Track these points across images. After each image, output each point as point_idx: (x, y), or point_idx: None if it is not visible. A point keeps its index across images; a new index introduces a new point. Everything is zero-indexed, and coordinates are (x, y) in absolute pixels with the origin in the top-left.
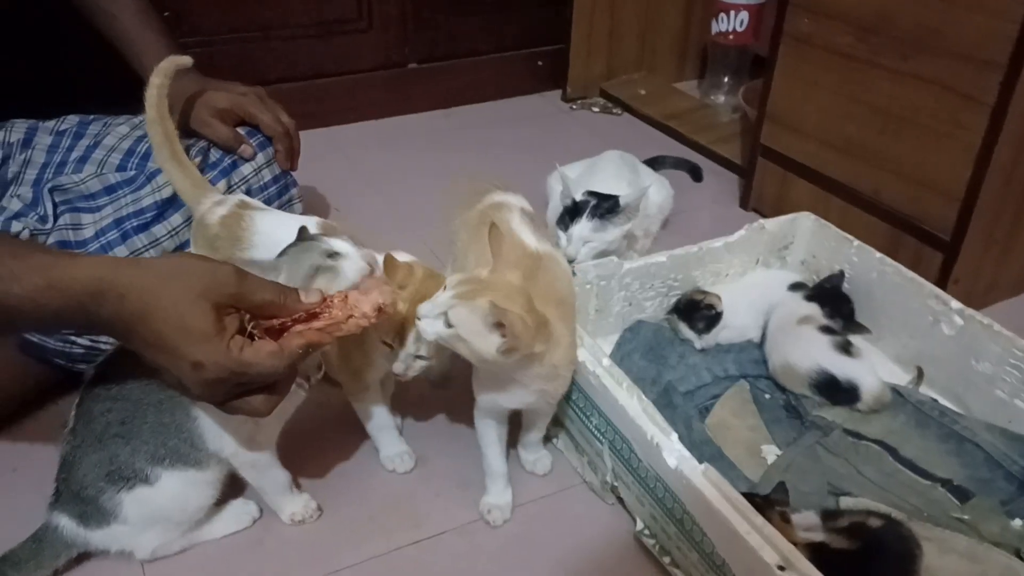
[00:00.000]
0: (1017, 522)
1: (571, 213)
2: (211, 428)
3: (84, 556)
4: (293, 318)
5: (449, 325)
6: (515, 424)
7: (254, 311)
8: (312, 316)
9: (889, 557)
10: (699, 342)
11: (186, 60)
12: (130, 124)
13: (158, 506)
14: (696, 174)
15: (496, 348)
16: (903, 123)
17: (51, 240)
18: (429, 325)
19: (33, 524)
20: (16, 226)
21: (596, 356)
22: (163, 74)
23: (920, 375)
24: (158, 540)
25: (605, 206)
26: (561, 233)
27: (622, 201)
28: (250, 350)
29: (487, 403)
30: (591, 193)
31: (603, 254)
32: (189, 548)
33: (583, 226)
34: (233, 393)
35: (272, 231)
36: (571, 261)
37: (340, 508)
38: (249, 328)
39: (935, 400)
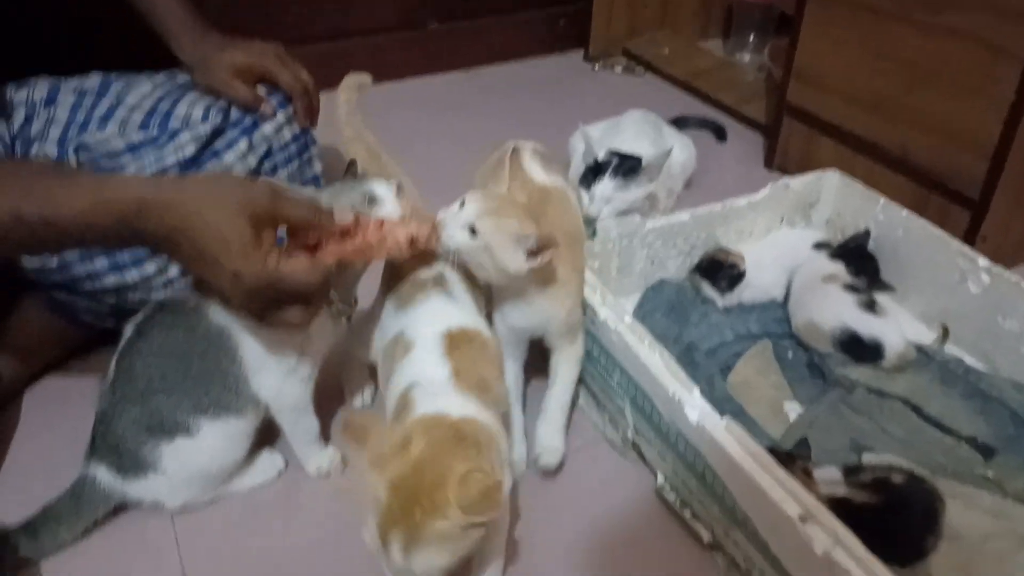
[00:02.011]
0: None
1: (594, 172)
2: (254, 367)
3: (116, 508)
4: (327, 236)
5: (474, 234)
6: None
7: (290, 227)
8: (345, 236)
9: (912, 511)
10: (721, 301)
11: (365, 78)
12: (152, 82)
13: (197, 457)
14: (720, 134)
15: (521, 265)
16: (932, 78)
17: None
18: (455, 234)
19: (67, 477)
20: None
21: (618, 313)
22: (348, 90)
23: (945, 333)
24: (193, 492)
25: (627, 165)
26: (584, 192)
27: (645, 161)
28: (286, 263)
29: (503, 330)
30: (614, 152)
31: (626, 213)
32: (217, 500)
33: (605, 185)
34: (270, 304)
35: None
36: (593, 220)
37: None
38: (285, 243)
39: (960, 358)
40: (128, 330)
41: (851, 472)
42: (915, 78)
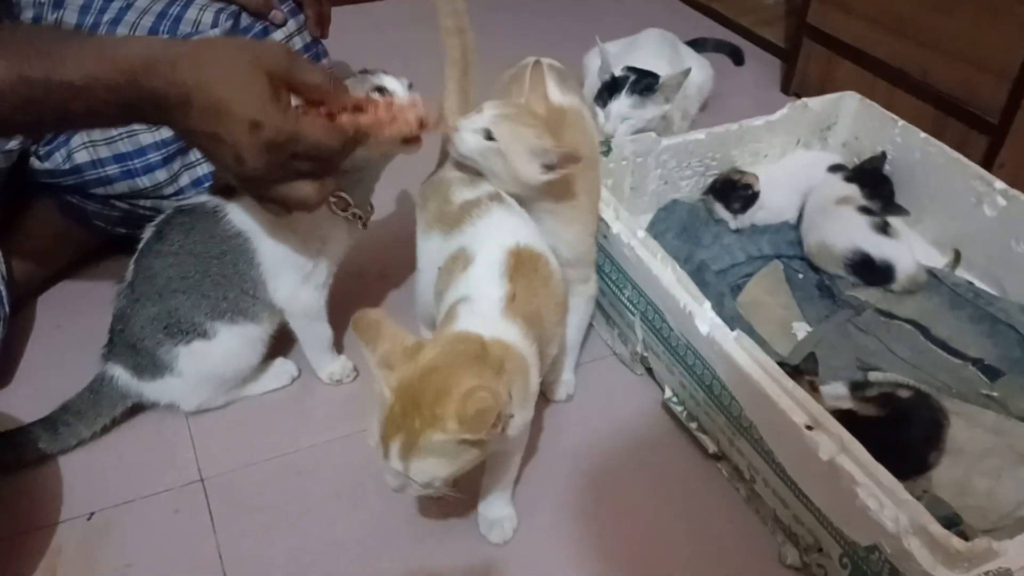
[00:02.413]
0: None
1: (609, 89)
2: (271, 271)
3: (135, 408)
4: (340, 108)
5: (490, 139)
6: None
7: (303, 92)
8: (357, 110)
9: (916, 424)
10: (734, 222)
11: None
12: None
13: (212, 361)
14: (737, 57)
15: (536, 176)
16: (957, 0)
17: None
18: (468, 137)
19: (80, 376)
20: None
21: (631, 228)
22: None
23: (957, 258)
24: (207, 394)
25: (644, 83)
26: (599, 109)
27: (662, 79)
28: (306, 120)
29: None
30: (630, 69)
31: (640, 132)
32: (231, 403)
33: (622, 102)
34: (286, 169)
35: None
36: (609, 138)
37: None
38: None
39: (971, 283)
40: (148, 231)
41: (857, 387)
42: (940, 0)
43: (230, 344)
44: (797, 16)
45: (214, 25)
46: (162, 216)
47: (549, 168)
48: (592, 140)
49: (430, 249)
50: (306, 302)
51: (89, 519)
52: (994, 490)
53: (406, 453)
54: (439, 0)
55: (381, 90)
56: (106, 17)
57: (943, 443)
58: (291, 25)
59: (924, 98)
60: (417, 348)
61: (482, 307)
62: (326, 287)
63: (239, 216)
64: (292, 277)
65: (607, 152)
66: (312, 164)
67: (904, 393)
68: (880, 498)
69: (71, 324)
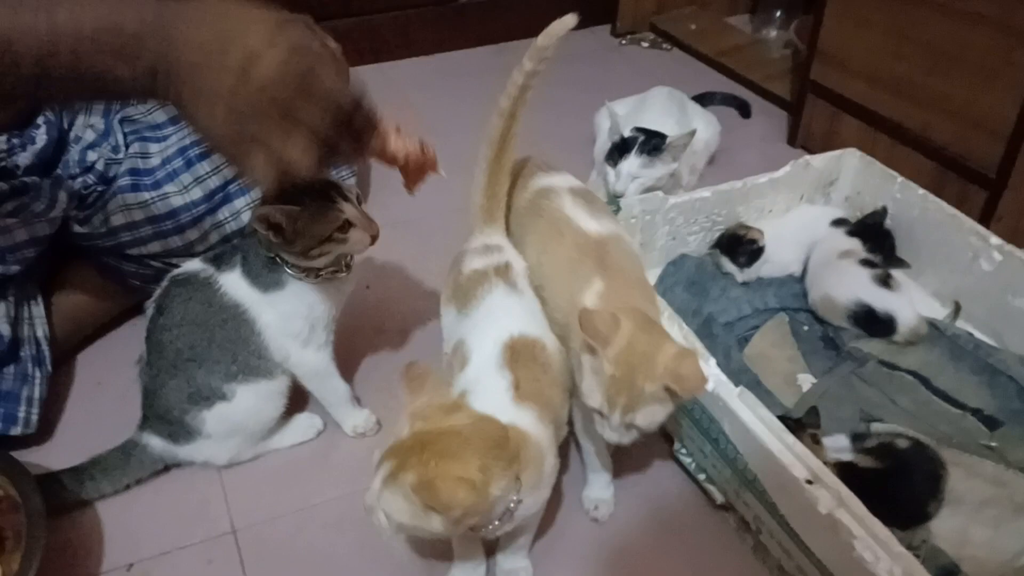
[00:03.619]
0: None
1: (619, 149)
2: (273, 336)
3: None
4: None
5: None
6: None
7: (320, 96)
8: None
9: (915, 475)
10: (741, 275)
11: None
12: None
13: (236, 419)
14: (745, 110)
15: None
16: (954, 61)
17: (123, 168)
18: (377, 521)
19: (117, 433)
20: (92, 156)
21: None
22: (547, 35)
23: (957, 309)
24: (236, 449)
25: (653, 143)
26: (610, 169)
27: (669, 140)
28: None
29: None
30: (639, 130)
31: (649, 190)
32: (261, 456)
33: (631, 162)
34: (290, 108)
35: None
36: (618, 197)
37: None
38: None
39: (971, 334)
40: (149, 309)
41: (858, 439)
42: (937, 61)
43: (249, 402)
44: (801, 72)
45: None
46: (158, 290)
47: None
48: (637, 260)
49: (447, 323)
50: (312, 363)
51: (128, 570)
52: (993, 540)
53: (385, 485)
54: (510, 82)
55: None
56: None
57: (942, 493)
58: None
59: (924, 153)
60: (455, 408)
61: (490, 399)
62: (328, 345)
63: (232, 287)
64: (292, 343)
65: (616, 211)
66: (320, 115)
67: (903, 443)
68: (875, 551)
69: (110, 381)
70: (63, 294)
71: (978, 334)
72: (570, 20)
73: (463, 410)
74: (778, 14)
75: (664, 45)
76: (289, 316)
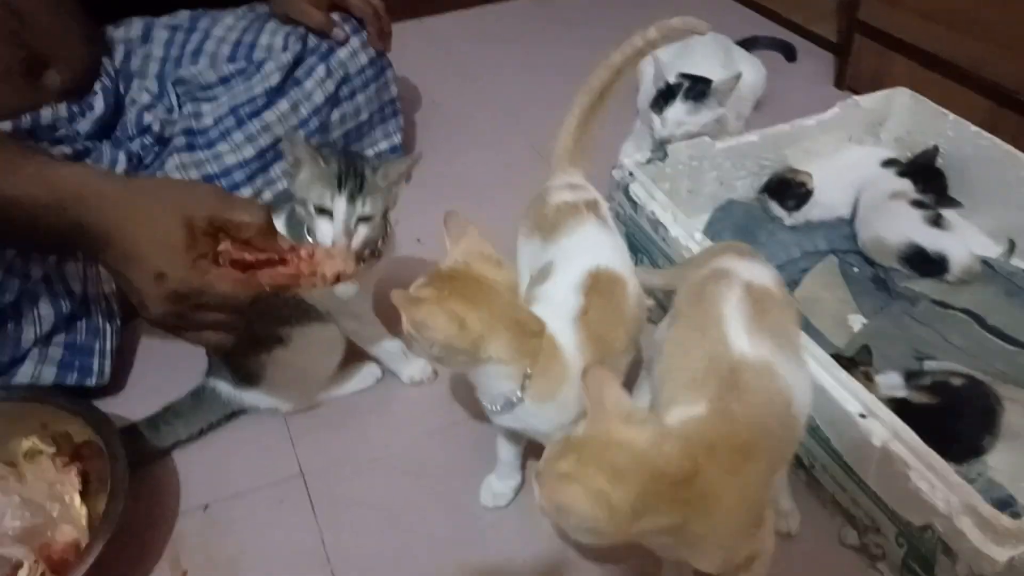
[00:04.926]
0: None
1: (664, 96)
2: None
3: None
4: (262, 259)
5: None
6: None
7: (233, 234)
8: (282, 262)
9: (970, 411)
10: (789, 219)
11: (702, 26)
12: (235, 15)
13: (295, 364)
14: (790, 54)
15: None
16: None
17: (177, 128)
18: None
19: (187, 381)
20: (148, 117)
21: (688, 231)
22: (665, 32)
23: (1012, 247)
24: (298, 395)
25: (698, 88)
26: (655, 116)
27: (714, 84)
28: (216, 272)
29: None
30: (684, 75)
31: (696, 136)
32: (323, 404)
33: (677, 109)
34: (190, 316)
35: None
36: (665, 143)
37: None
38: (220, 252)
39: None
40: None
41: (911, 377)
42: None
43: (306, 346)
44: (849, 12)
45: (284, 48)
46: None
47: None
48: (778, 400)
49: (529, 254)
50: (351, 329)
51: (205, 510)
52: None
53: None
54: (628, 43)
55: (321, 210)
56: (188, 48)
57: (997, 428)
58: (355, 42)
59: (978, 90)
60: (499, 264)
61: (553, 312)
62: (366, 314)
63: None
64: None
65: (663, 157)
66: (219, 314)
67: (957, 381)
68: (932, 481)
69: None
70: None
71: None
72: (703, 27)
73: (505, 269)
74: None
75: None
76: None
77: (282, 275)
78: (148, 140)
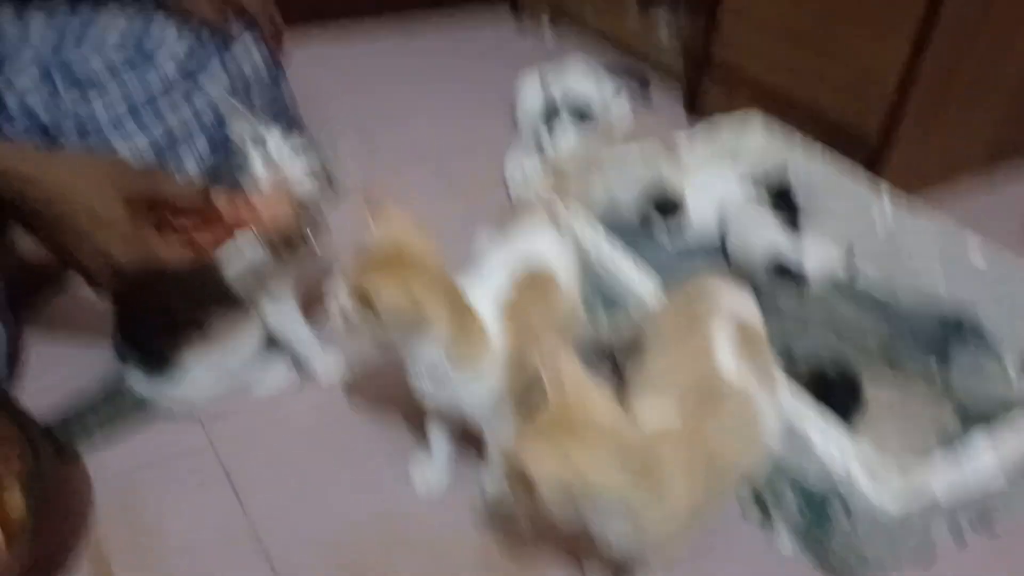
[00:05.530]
0: (932, 363)
1: (552, 111)
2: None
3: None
4: (200, 222)
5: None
6: None
7: (168, 205)
8: (219, 219)
9: (840, 389)
10: (666, 231)
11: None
12: (119, 4)
13: (214, 353)
14: (645, 84)
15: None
16: (842, 31)
17: (65, 116)
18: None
19: (90, 373)
20: (32, 100)
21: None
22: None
23: (852, 255)
24: (213, 384)
25: (582, 104)
26: (544, 129)
27: (595, 101)
28: (160, 241)
29: None
30: (568, 93)
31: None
32: (238, 403)
33: (565, 122)
34: (142, 284)
35: None
36: (552, 154)
37: (368, 366)
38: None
39: (866, 276)
40: None
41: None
42: (827, 34)
43: (225, 331)
44: (699, 48)
45: (178, 39)
46: None
47: None
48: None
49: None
50: (271, 314)
51: (121, 504)
52: (904, 440)
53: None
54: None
55: (256, 140)
56: (70, 33)
57: (864, 396)
58: (247, 39)
59: (813, 122)
60: (419, 235)
61: (482, 293)
62: (288, 300)
63: None
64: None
65: (555, 163)
66: (167, 278)
67: (826, 362)
68: (832, 447)
69: (81, 320)
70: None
71: (872, 275)
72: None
73: (428, 242)
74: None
75: (562, 22)
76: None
77: (223, 231)
78: (33, 126)
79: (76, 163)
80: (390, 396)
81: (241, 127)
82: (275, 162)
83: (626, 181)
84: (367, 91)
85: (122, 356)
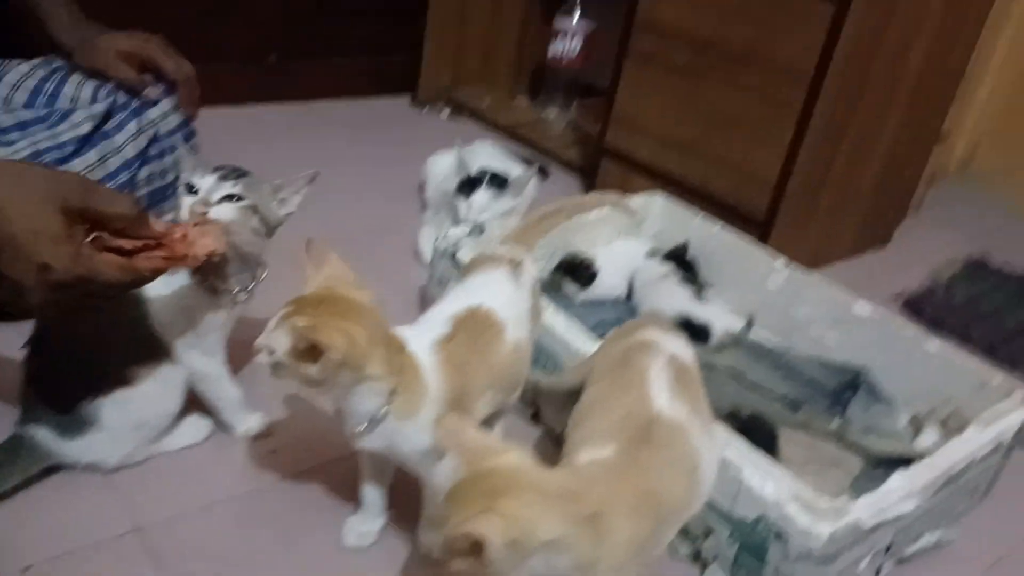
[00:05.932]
0: (835, 422)
1: (469, 185)
2: (161, 323)
3: (52, 470)
4: (140, 245)
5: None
6: None
7: (105, 224)
8: (158, 246)
9: (757, 437)
10: (579, 296)
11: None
12: (29, 64)
13: (136, 408)
14: (544, 172)
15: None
16: (729, 126)
17: None
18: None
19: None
20: None
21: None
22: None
23: (750, 322)
24: (130, 446)
25: (498, 180)
26: (462, 201)
27: (513, 178)
28: (100, 258)
29: None
30: (485, 168)
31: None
32: (149, 459)
33: (483, 194)
34: (74, 304)
35: None
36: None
37: (290, 425)
38: (95, 239)
39: (766, 339)
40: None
41: None
42: (715, 126)
43: (151, 389)
44: (597, 138)
45: (94, 100)
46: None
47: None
48: (681, 469)
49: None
50: (202, 365)
51: (24, 572)
52: (818, 484)
53: (277, 324)
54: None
55: (190, 187)
56: None
57: (779, 450)
58: (166, 103)
59: (706, 203)
60: (361, 288)
61: (418, 334)
62: (219, 353)
63: None
64: (179, 342)
65: (480, 233)
66: (102, 298)
67: (744, 415)
68: (761, 477)
69: None
70: None
71: (772, 338)
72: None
73: (365, 291)
74: (559, 96)
75: (461, 115)
76: (177, 311)
77: (160, 259)
78: None
79: (11, 172)
80: (316, 451)
81: (179, 165)
82: (207, 200)
83: (540, 249)
84: (276, 172)
85: (25, 414)
